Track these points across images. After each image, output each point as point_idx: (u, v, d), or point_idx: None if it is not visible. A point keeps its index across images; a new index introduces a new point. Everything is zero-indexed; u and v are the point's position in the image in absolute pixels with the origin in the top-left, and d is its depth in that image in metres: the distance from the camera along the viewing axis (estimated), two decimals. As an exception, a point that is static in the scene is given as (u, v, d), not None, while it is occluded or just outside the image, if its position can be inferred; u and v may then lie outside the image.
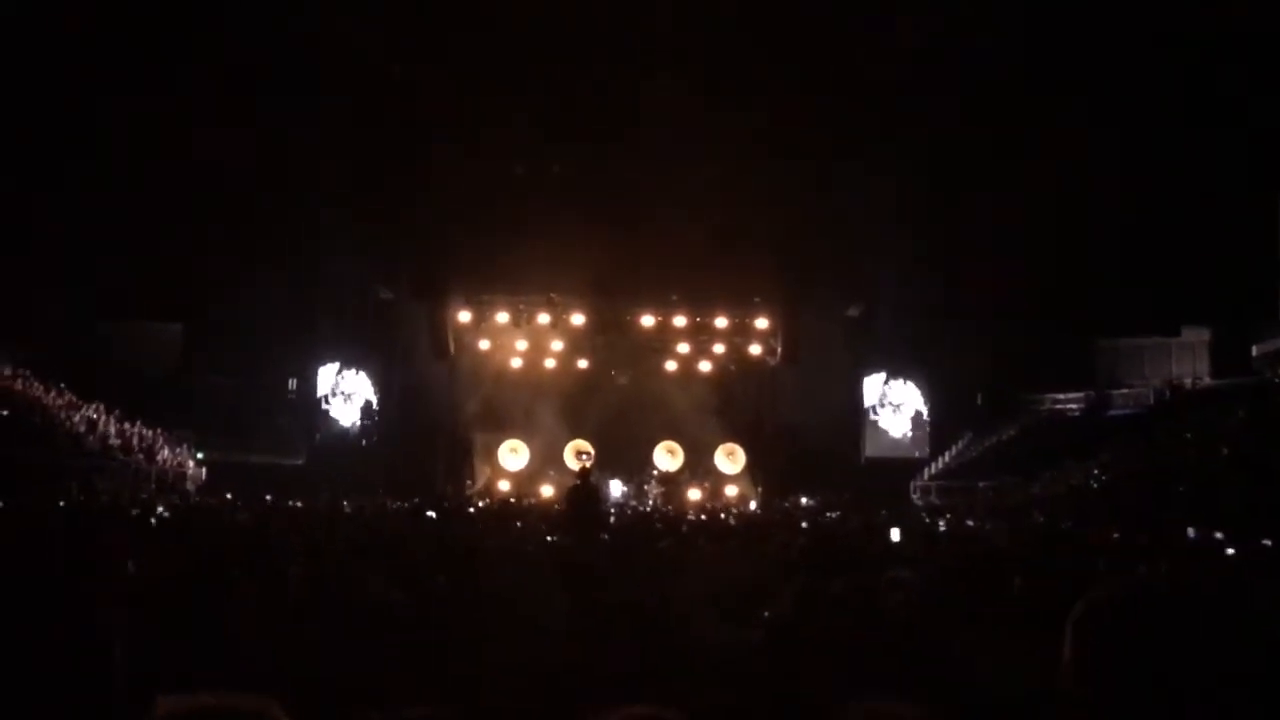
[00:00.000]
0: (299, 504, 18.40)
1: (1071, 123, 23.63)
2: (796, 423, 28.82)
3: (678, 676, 3.18)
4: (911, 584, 4.13)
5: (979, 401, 31.57)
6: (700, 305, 28.08)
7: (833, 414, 30.11)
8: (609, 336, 28.54)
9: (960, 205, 25.72)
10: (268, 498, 19.33)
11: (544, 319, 27.89)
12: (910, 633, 3.41)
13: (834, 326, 29.91)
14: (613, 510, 21.54)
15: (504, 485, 27.76)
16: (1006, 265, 26.41)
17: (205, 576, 3.59)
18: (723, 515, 19.61)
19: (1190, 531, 11.80)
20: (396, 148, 24.83)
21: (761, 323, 28.38)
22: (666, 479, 27.96)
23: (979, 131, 23.90)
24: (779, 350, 28.60)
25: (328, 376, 31.70)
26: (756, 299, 28.31)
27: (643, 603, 4.24)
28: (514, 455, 28.43)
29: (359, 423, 31.38)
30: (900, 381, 31.81)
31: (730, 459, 28.67)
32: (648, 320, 27.94)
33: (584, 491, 16.36)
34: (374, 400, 31.53)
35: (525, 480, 28.02)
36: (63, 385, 25.18)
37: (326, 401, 31.64)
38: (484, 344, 29.30)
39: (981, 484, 27.24)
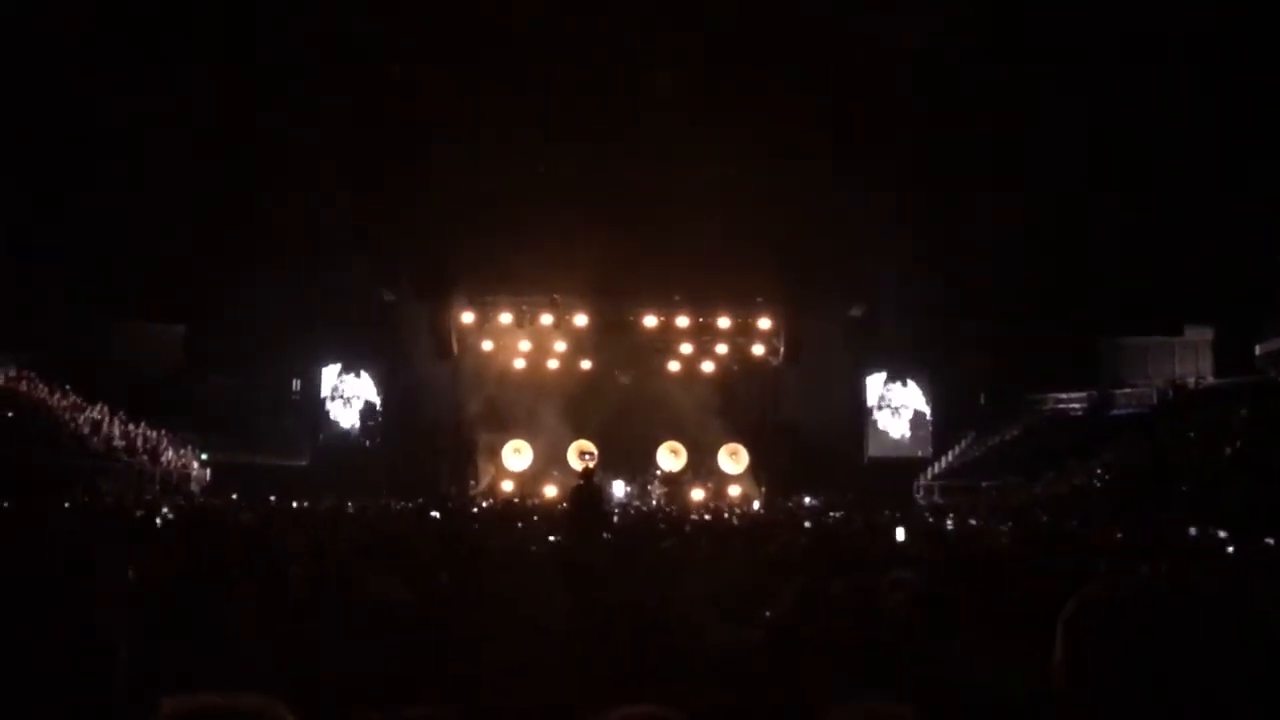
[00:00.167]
0: (306, 504, 18.44)
1: (1073, 122, 23.62)
2: (799, 423, 28.86)
3: (678, 676, 3.19)
4: (913, 584, 4.13)
5: (982, 401, 31.56)
6: (703, 306, 28.08)
7: (835, 414, 30.16)
8: (612, 337, 28.54)
9: (962, 205, 25.71)
10: (271, 498, 19.35)
11: (547, 319, 27.90)
12: (910, 633, 3.42)
13: (836, 327, 29.94)
14: (616, 510, 21.55)
15: (507, 485, 27.77)
16: (1009, 265, 26.42)
17: (206, 576, 3.60)
18: (726, 515, 19.61)
19: (1192, 531, 11.79)
20: (397, 148, 24.87)
21: (764, 323, 28.37)
22: (669, 479, 27.97)
23: (979, 131, 23.88)
24: (782, 350, 28.60)
25: (330, 378, 31.79)
26: (759, 299, 28.31)
27: (644, 603, 4.24)
28: (517, 455, 28.44)
29: (358, 424, 31.45)
30: (899, 384, 31.83)
31: (733, 459, 28.67)
32: (650, 321, 27.94)
33: (587, 492, 16.35)
34: (375, 401, 31.60)
35: (529, 480, 28.02)
36: (67, 387, 25.22)
37: (329, 403, 31.72)
38: (487, 345, 29.32)
39: (985, 484, 27.23)
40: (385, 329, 30.63)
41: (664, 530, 12.86)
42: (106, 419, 24.87)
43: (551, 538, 11.13)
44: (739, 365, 29.67)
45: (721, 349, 29.11)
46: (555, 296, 27.55)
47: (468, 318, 28.37)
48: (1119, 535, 11.51)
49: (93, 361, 27.62)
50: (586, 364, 29.12)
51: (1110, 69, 22.65)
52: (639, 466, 28.10)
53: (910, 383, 31.97)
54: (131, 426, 25.18)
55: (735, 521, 16.74)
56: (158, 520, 12.43)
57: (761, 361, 29.23)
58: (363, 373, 32.07)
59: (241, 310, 28.18)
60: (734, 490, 27.92)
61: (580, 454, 25.91)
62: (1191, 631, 1.25)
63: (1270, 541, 9.09)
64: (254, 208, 26.09)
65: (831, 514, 20.61)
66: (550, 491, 26.35)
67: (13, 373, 24.83)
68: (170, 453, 25.60)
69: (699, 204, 24.74)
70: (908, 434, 31.74)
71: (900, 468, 30.30)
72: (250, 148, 24.20)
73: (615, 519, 17.48)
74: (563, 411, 27.96)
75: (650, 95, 23.05)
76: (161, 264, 27.29)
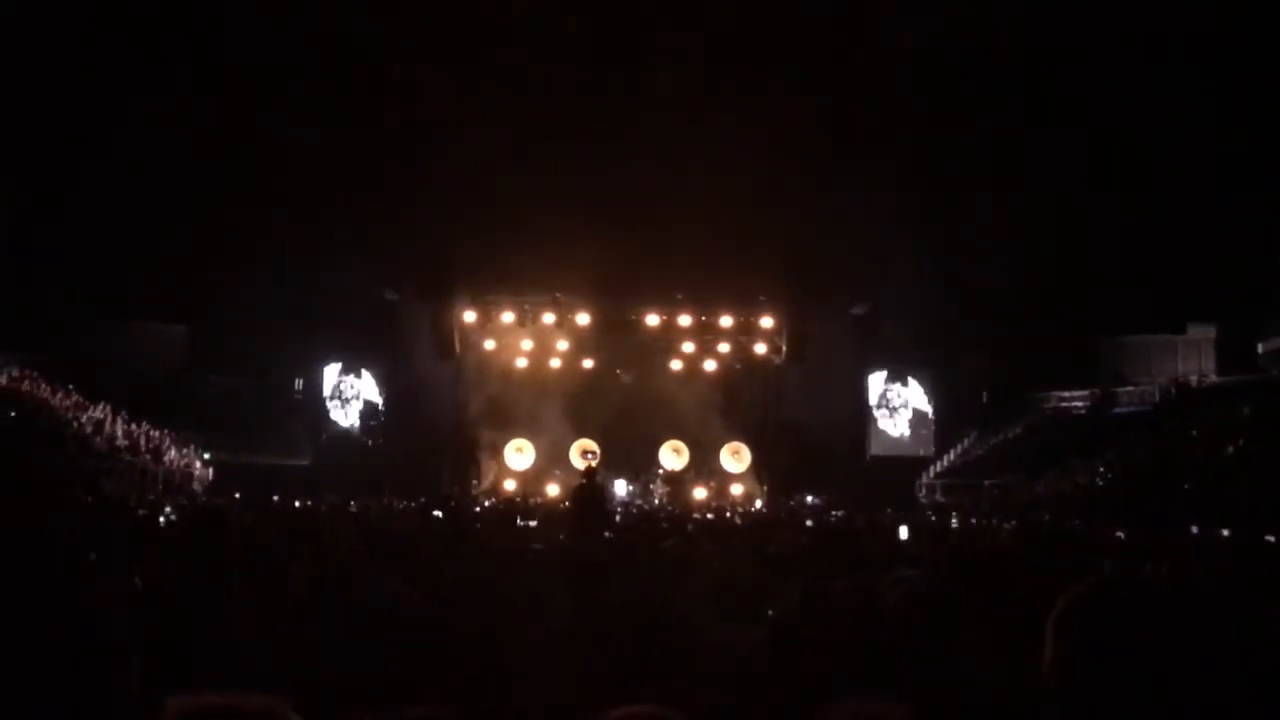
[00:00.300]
0: (308, 503, 18.45)
1: (1074, 121, 23.60)
2: (801, 421, 28.87)
3: (678, 676, 3.19)
4: (915, 583, 4.12)
5: (984, 400, 31.56)
6: (705, 304, 28.06)
7: (837, 412, 30.19)
8: (614, 336, 28.53)
9: (964, 204, 25.69)
10: (274, 498, 19.36)
11: (549, 319, 27.89)
12: (912, 632, 3.41)
13: (839, 325, 29.97)
14: (618, 509, 21.57)
15: (510, 484, 27.77)
16: (1011, 263, 26.40)
17: (207, 576, 3.60)
18: (728, 514, 19.62)
19: (1195, 529, 11.78)
20: (398, 148, 24.87)
21: (766, 322, 28.36)
22: (672, 478, 27.98)
23: (979, 131, 23.86)
24: (784, 349, 28.58)
25: (332, 377, 31.84)
26: (761, 298, 28.30)
27: (645, 602, 4.24)
28: (520, 455, 28.44)
29: (358, 423, 31.49)
30: (899, 384, 31.85)
31: (735, 458, 28.66)
32: (653, 319, 27.93)
33: (589, 490, 16.37)
34: (377, 401, 31.64)
35: (531, 479, 28.03)
36: (70, 387, 25.24)
37: (330, 402, 31.76)
38: (489, 344, 29.32)
39: (987, 482, 27.23)
40: (387, 328, 30.67)
41: (666, 529, 12.85)
42: (109, 419, 24.89)
43: (552, 537, 11.13)
44: (741, 364, 29.67)
45: (723, 348, 29.10)
46: (557, 295, 27.55)
47: (469, 317, 28.37)
48: (1121, 534, 11.51)
49: (94, 361, 27.64)
50: (589, 363, 29.13)
51: (1110, 69, 22.62)
52: (641, 465, 28.12)
53: (912, 381, 31.99)
54: (134, 426, 25.19)
55: (737, 520, 16.74)
56: (161, 520, 12.44)
57: (764, 360, 29.22)
58: (364, 372, 32.12)
59: (243, 310, 28.21)
60: (736, 489, 27.92)
61: (582, 453, 25.94)
62: (1178, 630, 1.25)
63: (1272, 539, 9.09)
64: (255, 207, 26.10)
65: (833, 512, 20.63)
66: (552, 490, 26.38)
67: (15, 372, 24.86)
68: (173, 452, 25.61)
69: (700, 203, 24.74)
70: (906, 433, 31.76)
71: (902, 466, 30.31)
72: (250, 148, 24.20)
73: (617, 518, 17.49)
74: (565, 410, 27.97)
75: (650, 95, 23.04)
76: (163, 264, 27.31)
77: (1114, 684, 1.25)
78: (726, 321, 28.24)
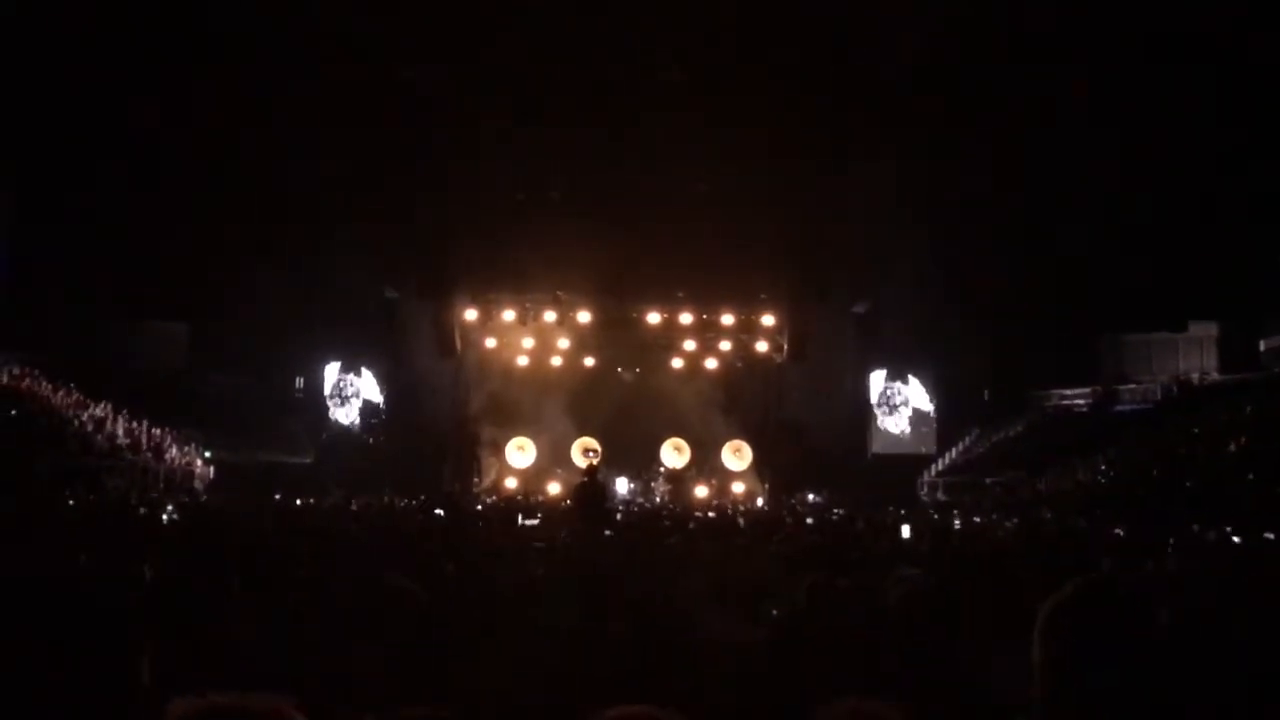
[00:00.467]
0: (310, 501, 18.49)
1: (1074, 121, 23.57)
2: (803, 419, 28.89)
3: (678, 676, 3.18)
4: (917, 582, 4.12)
5: (986, 397, 31.55)
6: (707, 302, 28.06)
7: (839, 411, 30.21)
8: (615, 334, 28.53)
9: (965, 202, 25.66)
10: (275, 496, 19.38)
11: (550, 317, 27.90)
12: (912, 631, 3.41)
13: (840, 324, 29.95)
14: (620, 507, 21.59)
15: (511, 483, 27.78)
16: (1011, 261, 26.37)
17: (208, 576, 3.60)
18: (729, 512, 19.63)
19: (1196, 527, 11.78)
20: (399, 147, 24.84)
21: (768, 320, 28.35)
22: (673, 476, 27.99)
23: (979, 131, 23.83)
24: (785, 347, 28.58)
25: (333, 376, 31.86)
26: (763, 296, 28.30)
27: (646, 600, 4.24)
28: (521, 453, 28.45)
29: (358, 422, 31.52)
30: (900, 382, 31.86)
31: (737, 456, 28.67)
32: (654, 318, 27.94)
33: (591, 488, 16.43)
34: (377, 399, 31.67)
35: (533, 477, 28.04)
36: (71, 385, 25.27)
37: (331, 400, 31.79)
38: (490, 342, 29.33)
39: (988, 480, 27.23)
40: (388, 327, 30.69)
41: (668, 527, 12.88)
42: (110, 417, 24.91)
43: (554, 535, 11.14)
44: (742, 362, 29.68)
45: (725, 346, 29.10)
46: (558, 293, 27.55)
47: (471, 315, 28.39)
48: (1123, 532, 11.51)
49: (95, 360, 27.67)
50: (590, 361, 29.13)
51: (1111, 68, 22.58)
52: (643, 463, 28.14)
53: (913, 379, 31.99)
54: (135, 424, 25.22)
55: (739, 519, 16.76)
56: (164, 518, 12.47)
57: (765, 358, 29.22)
58: (365, 370, 32.15)
59: (244, 308, 28.20)
60: (738, 487, 27.93)
61: (584, 451, 25.98)
62: (1163, 631, 1.25)
63: (1273, 537, 9.08)
64: (257, 206, 26.10)
65: (835, 511, 20.63)
66: (554, 488, 26.40)
67: (16, 371, 24.89)
68: (174, 450, 25.63)
69: (701, 201, 24.72)
70: (907, 430, 31.76)
71: (903, 464, 30.30)
72: (251, 147, 24.18)
73: (619, 516, 17.52)
74: (566, 408, 27.99)
75: (650, 95, 23.02)
76: (164, 262, 27.29)
77: (1101, 684, 1.25)
78: (728, 320, 28.24)
